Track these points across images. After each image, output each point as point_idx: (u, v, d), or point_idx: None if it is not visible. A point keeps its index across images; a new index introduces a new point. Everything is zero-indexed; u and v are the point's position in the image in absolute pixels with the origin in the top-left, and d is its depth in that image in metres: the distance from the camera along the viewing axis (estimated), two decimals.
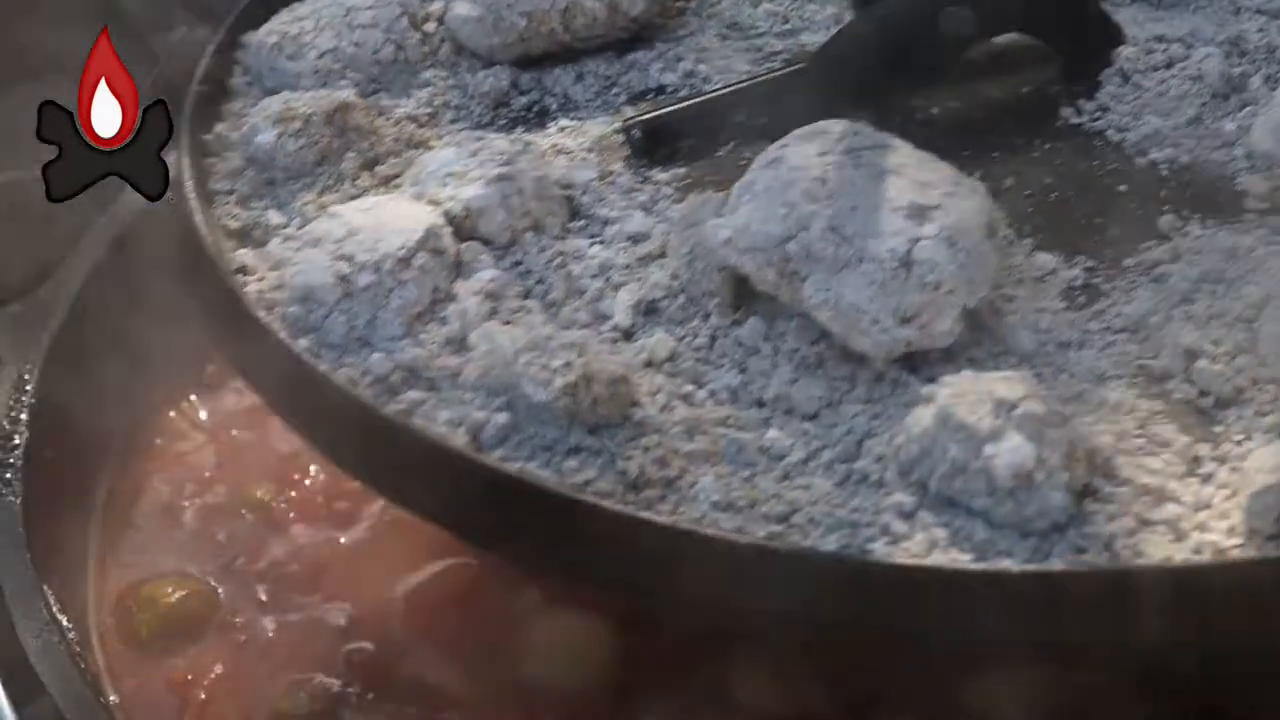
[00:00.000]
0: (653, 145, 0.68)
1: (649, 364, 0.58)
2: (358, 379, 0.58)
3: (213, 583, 0.76)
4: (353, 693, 0.71)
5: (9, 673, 0.66)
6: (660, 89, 0.71)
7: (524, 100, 0.72)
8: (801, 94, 0.67)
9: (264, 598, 0.76)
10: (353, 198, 0.65)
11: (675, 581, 0.52)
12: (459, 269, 0.62)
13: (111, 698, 0.71)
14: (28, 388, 0.75)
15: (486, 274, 0.61)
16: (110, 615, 0.75)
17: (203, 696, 0.72)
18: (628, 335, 0.60)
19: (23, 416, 0.74)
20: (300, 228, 0.64)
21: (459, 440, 0.55)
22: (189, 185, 0.66)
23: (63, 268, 0.81)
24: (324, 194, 0.66)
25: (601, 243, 0.63)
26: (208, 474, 0.81)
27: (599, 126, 0.69)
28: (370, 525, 0.79)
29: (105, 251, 0.82)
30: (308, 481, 0.80)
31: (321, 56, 0.72)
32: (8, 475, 0.72)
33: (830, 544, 0.52)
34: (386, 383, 0.58)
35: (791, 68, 0.70)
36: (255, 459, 0.82)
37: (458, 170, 0.64)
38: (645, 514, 0.53)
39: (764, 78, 0.70)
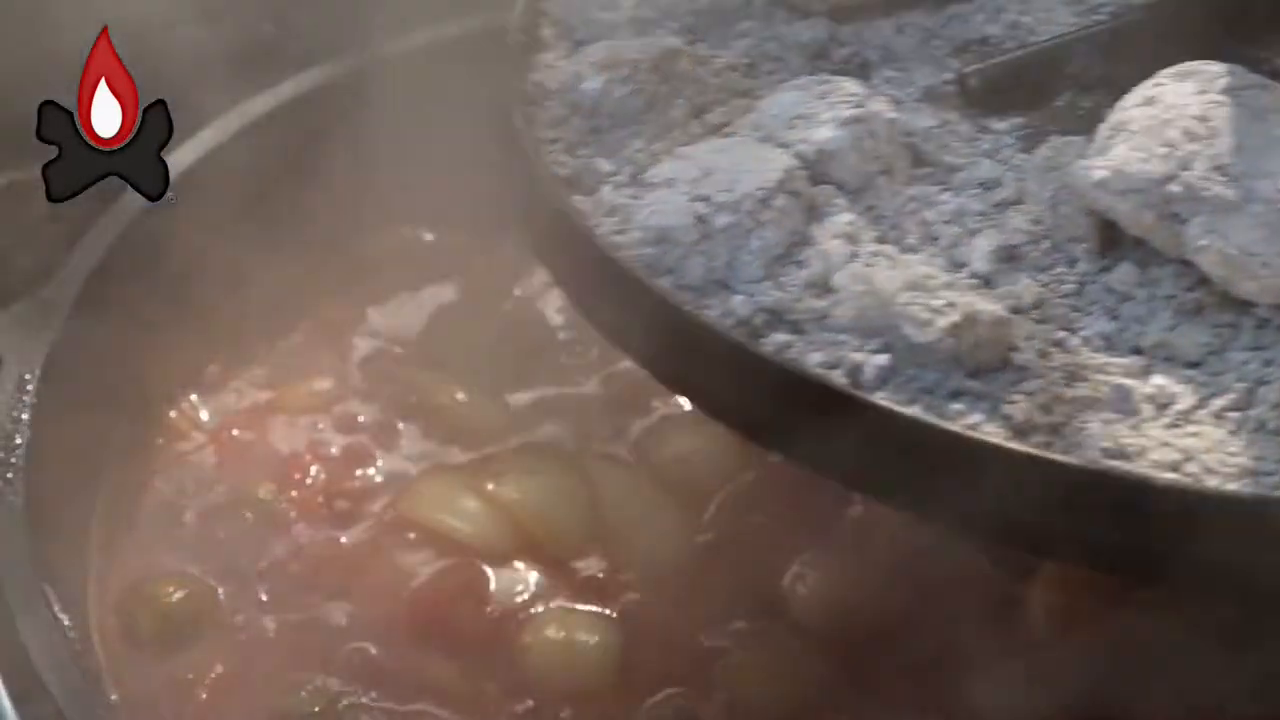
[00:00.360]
0: (988, 95, 0.67)
1: (1015, 310, 0.57)
2: (719, 321, 0.57)
3: (213, 583, 0.76)
4: (352, 692, 0.71)
5: (10, 672, 0.66)
6: (984, 40, 0.70)
7: (843, 52, 0.70)
8: (1138, 45, 0.66)
9: (264, 598, 0.76)
10: (683, 145, 0.64)
11: (1089, 528, 0.52)
12: (812, 212, 0.60)
13: (112, 697, 0.71)
14: (29, 388, 0.75)
15: (844, 217, 0.60)
16: (111, 615, 0.74)
17: (203, 696, 0.72)
18: (987, 282, 0.59)
19: (24, 416, 0.74)
20: (632, 175, 0.63)
21: (839, 383, 0.54)
22: (524, 134, 0.65)
23: (64, 268, 0.80)
24: (653, 141, 0.65)
25: (951, 190, 0.62)
26: (208, 474, 0.81)
27: (926, 77, 0.68)
28: (370, 525, 0.79)
29: (107, 251, 0.82)
30: (308, 481, 0.80)
31: (638, 6, 0.71)
32: (9, 475, 0.72)
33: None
34: (750, 325, 0.57)
35: (1125, 18, 0.69)
36: (256, 459, 0.82)
37: (805, 113, 0.63)
38: (1079, 461, 0.52)
39: (1098, 28, 0.69)
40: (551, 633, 0.73)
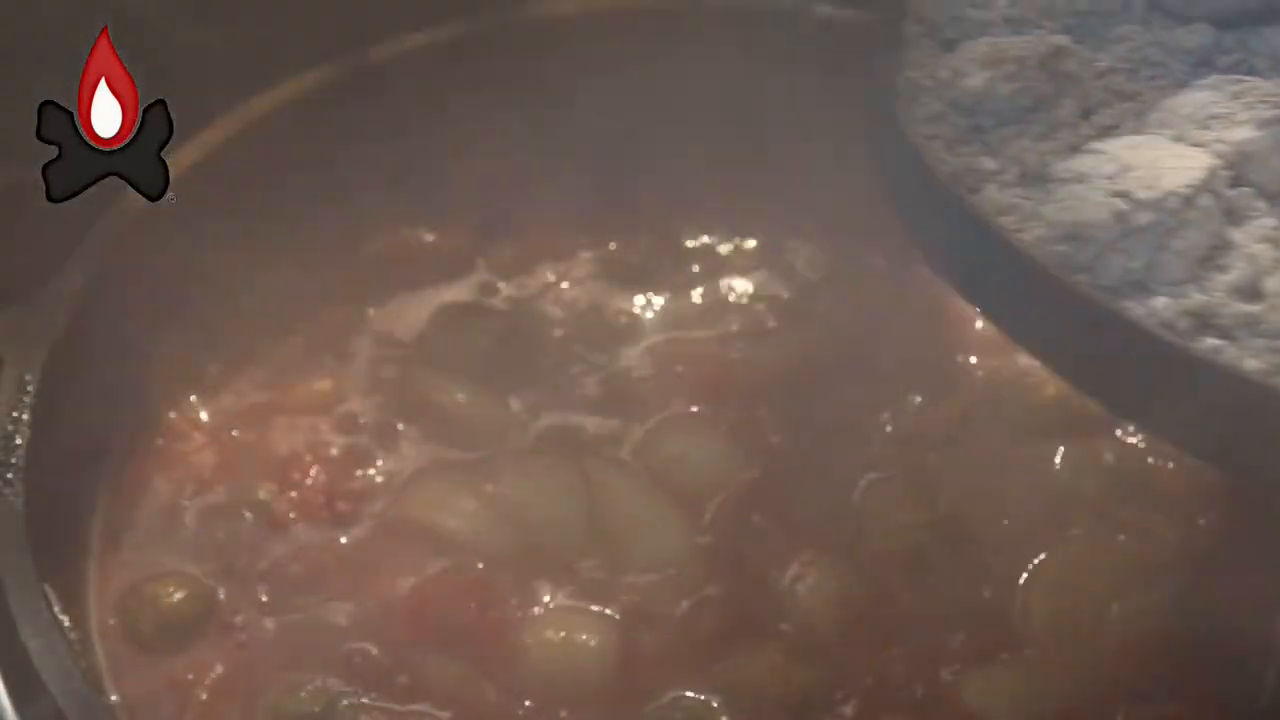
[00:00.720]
0: None
1: None
2: (1146, 321, 0.56)
3: (213, 583, 0.76)
4: (352, 692, 0.71)
5: (10, 672, 0.66)
6: None
7: (1228, 60, 0.68)
8: None
9: (264, 598, 0.76)
10: (1072, 146, 0.63)
11: None
12: (1231, 215, 0.59)
13: (112, 697, 0.71)
14: (29, 388, 0.75)
15: (1267, 221, 0.59)
16: (111, 615, 0.75)
17: (203, 696, 0.72)
18: None
19: (24, 416, 0.74)
20: (1020, 174, 0.62)
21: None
22: (909, 130, 0.64)
23: (64, 268, 0.80)
24: (1040, 141, 0.64)
25: None
26: (208, 474, 0.81)
27: None
28: (370, 525, 0.79)
29: (107, 252, 0.82)
30: (308, 481, 0.80)
31: (1013, 5, 0.69)
32: (9, 475, 0.72)
33: None
34: (1174, 329, 0.56)
35: None
36: (255, 459, 0.82)
37: (1220, 113, 0.61)
38: None
39: None
40: (551, 633, 0.73)
